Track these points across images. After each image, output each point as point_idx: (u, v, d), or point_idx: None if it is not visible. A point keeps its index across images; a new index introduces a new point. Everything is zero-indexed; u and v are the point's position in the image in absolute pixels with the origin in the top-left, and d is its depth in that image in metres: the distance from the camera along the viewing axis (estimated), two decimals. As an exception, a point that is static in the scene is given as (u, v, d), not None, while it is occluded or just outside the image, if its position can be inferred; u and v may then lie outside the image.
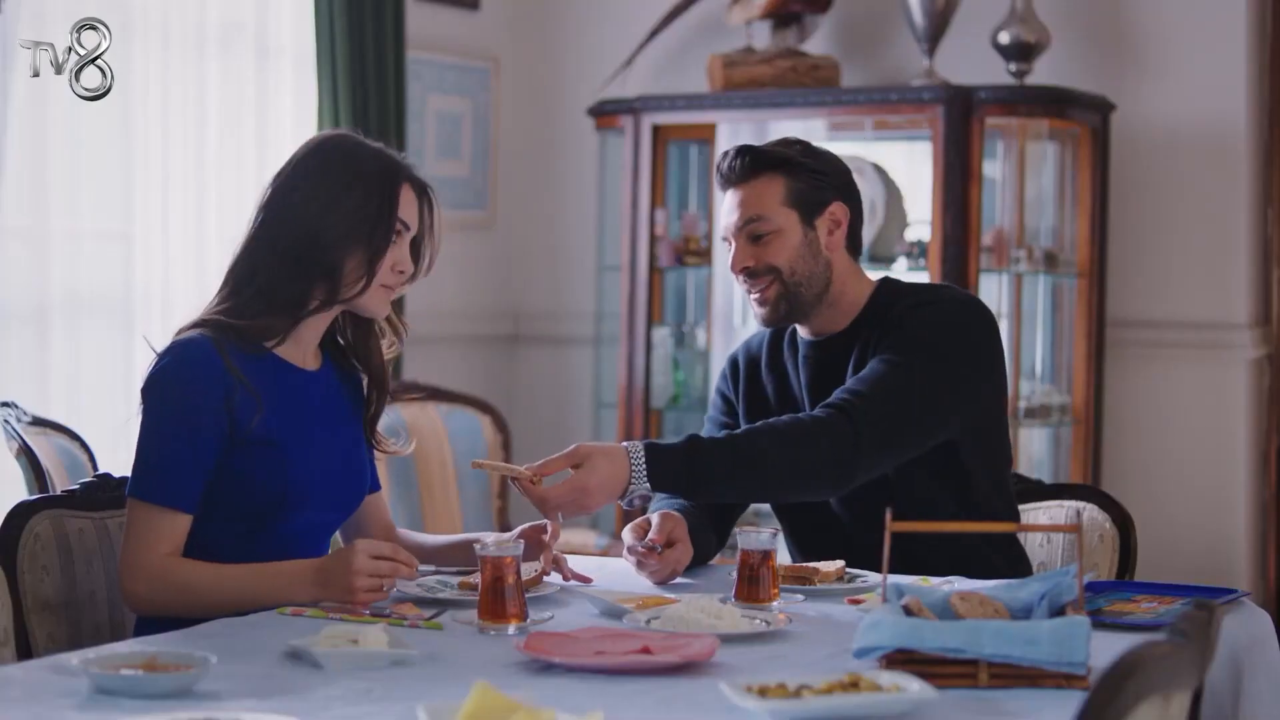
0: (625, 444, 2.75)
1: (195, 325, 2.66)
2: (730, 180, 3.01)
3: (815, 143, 5.49)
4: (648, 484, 2.73)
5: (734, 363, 3.20)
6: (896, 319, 2.95)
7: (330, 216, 2.65)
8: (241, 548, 2.62)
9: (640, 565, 2.84)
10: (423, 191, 2.76)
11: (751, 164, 2.98)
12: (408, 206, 2.71)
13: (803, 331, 3.07)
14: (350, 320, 2.81)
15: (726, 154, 3.02)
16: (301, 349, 2.73)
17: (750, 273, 2.98)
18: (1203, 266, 5.23)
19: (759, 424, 2.85)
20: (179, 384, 2.59)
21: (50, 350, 4.41)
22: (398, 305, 5.10)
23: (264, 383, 2.65)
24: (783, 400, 3.09)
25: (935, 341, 2.92)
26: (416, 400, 5.02)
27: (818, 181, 3.00)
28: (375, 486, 2.91)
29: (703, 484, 2.78)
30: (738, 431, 2.84)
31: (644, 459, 2.73)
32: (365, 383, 2.86)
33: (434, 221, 2.78)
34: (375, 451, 2.90)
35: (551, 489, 2.71)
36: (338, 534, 2.88)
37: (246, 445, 2.61)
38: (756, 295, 3.00)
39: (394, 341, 2.88)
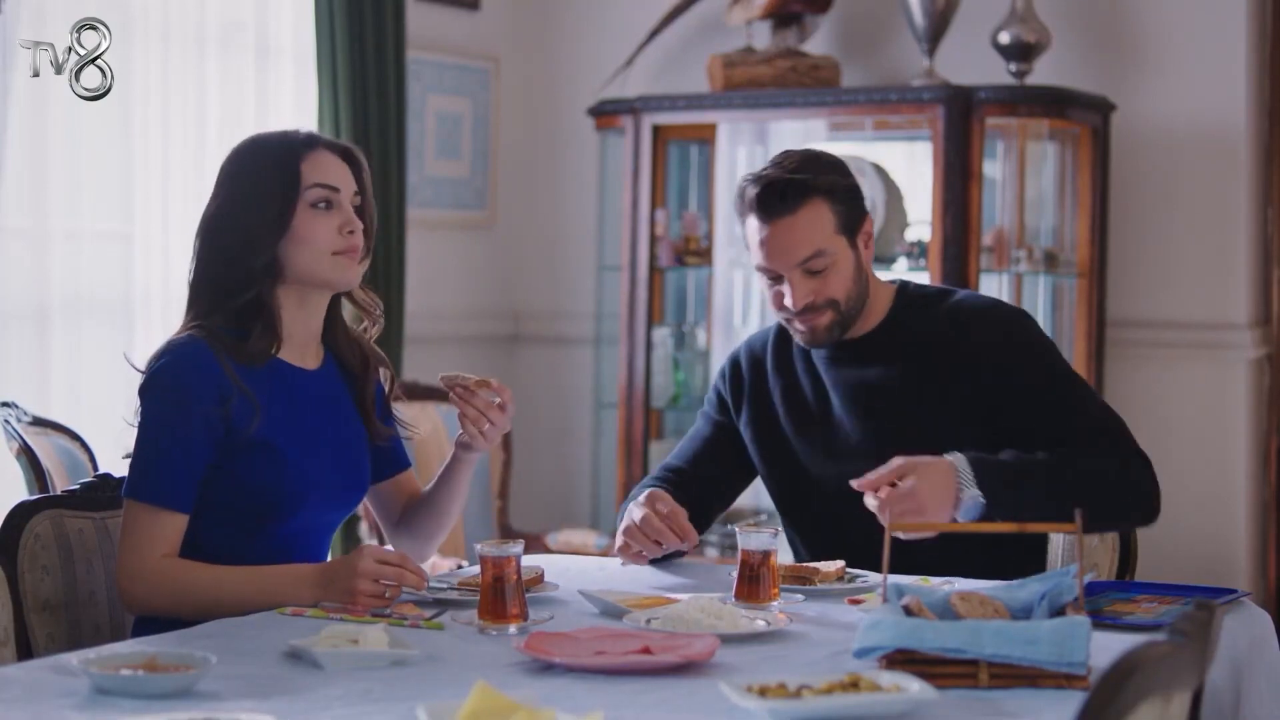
0: (947, 456, 2.76)
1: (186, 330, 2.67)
2: (774, 212, 2.92)
3: (816, 143, 5.56)
4: (976, 489, 2.75)
5: (735, 362, 3.18)
6: (1020, 345, 2.97)
7: (238, 204, 2.67)
8: (239, 549, 2.62)
9: (624, 550, 2.90)
10: (346, 155, 2.74)
11: (797, 194, 2.91)
12: (325, 169, 2.69)
13: None
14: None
15: (766, 184, 2.92)
16: (297, 347, 2.73)
17: (810, 307, 2.94)
18: (1203, 266, 5.23)
19: (1063, 458, 2.85)
20: (174, 384, 2.60)
21: (50, 350, 4.41)
22: (396, 302, 5.14)
23: (261, 385, 2.65)
24: (790, 403, 3.08)
25: (1063, 361, 3.02)
26: (416, 400, 5.02)
27: (853, 200, 2.97)
28: (407, 464, 2.95)
29: (1023, 498, 2.78)
30: (1044, 457, 2.85)
31: (969, 466, 2.75)
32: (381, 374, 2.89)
33: (365, 183, 2.76)
34: (401, 431, 2.92)
35: (889, 494, 2.71)
36: (365, 512, 2.88)
37: (244, 448, 2.61)
38: (806, 325, 2.97)
39: (375, 320, 2.87)
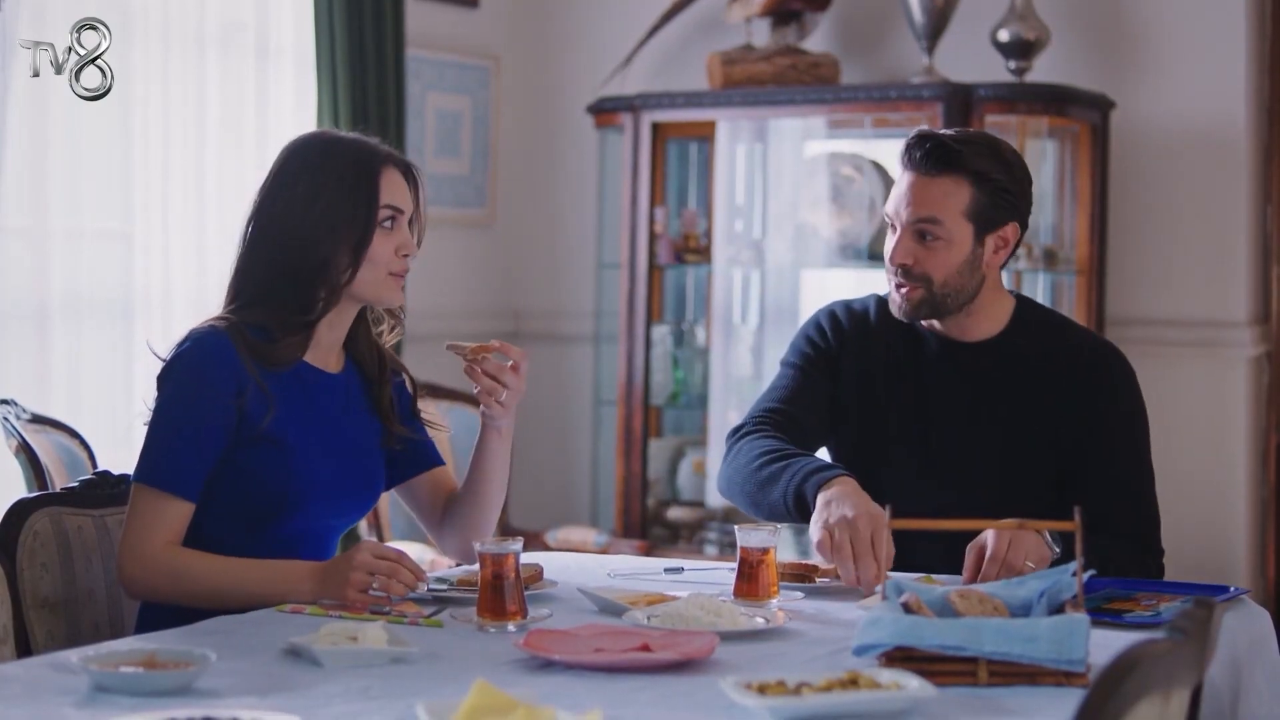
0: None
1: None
2: (917, 167, 2.94)
3: (815, 141, 5.53)
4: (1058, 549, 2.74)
5: (834, 317, 3.13)
6: (1114, 405, 2.97)
7: (312, 214, 2.66)
8: (242, 546, 2.63)
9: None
10: (407, 171, 2.75)
11: (945, 160, 2.92)
12: (395, 190, 2.71)
13: (930, 324, 3.04)
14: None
15: (925, 140, 2.94)
16: (322, 351, 2.74)
17: (905, 270, 2.95)
18: (1202, 264, 5.23)
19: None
20: (192, 373, 2.61)
21: (50, 349, 4.41)
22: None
23: (281, 382, 2.65)
24: (889, 376, 3.04)
25: (1145, 434, 3.02)
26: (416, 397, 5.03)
27: (1002, 200, 2.96)
28: (438, 461, 2.92)
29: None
30: None
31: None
32: (403, 380, 2.88)
33: (422, 199, 2.77)
34: (430, 430, 2.91)
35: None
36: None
37: (254, 442, 2.62)
38: (902, 291, 2.97)
39: (394, 325, 2.87)
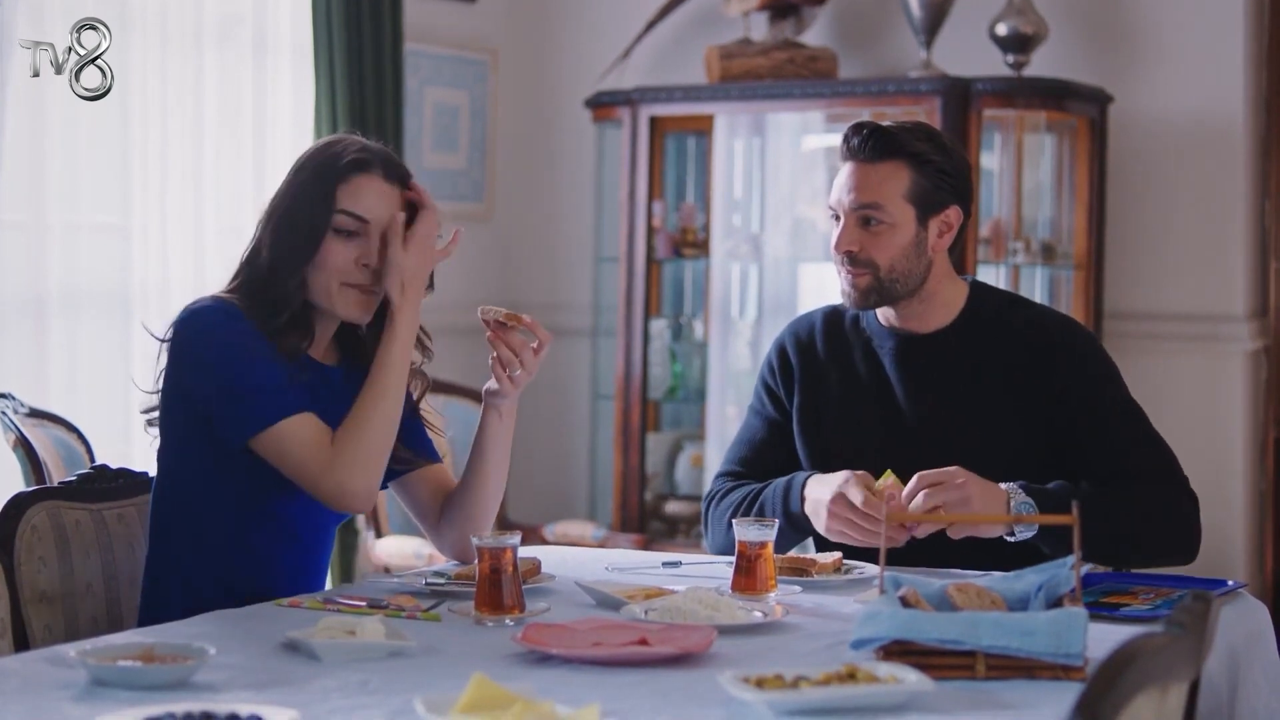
0: (1002, 485, 2.80)
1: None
2: (856, 155, 2.96)
3: (813, 135, 5.53)
4: (1028, 499, 2.78)
5: (782, 352, 3.14)
6: (1085, 370, 2.98)
7: (275, 217, 2.65)
8: (240, 528, 2.63)
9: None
10: (403, 181, 2.68)
11: (883, 146, 2.94)
12: (363, 198, 2.63)
13: (887, 320, 3.05)
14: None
15: (860, 128, 2.96)
16: (319, 347, 2.73)
17: (851, 257, 2.96)
18: (1200, 258, 5.23)
19: (1114, 493, 2.87)
20: (226, 323, 2.58)
21: (48, 343, 4.41)
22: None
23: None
24: (848, 392, 3.06)
25: (1121, 384, 3.04)
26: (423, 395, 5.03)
27: (942, 182, 2.97)
28: (435, 459, 2.88)
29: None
30: (1092, 490, 2.85)
31: (1022, 488, 2.80)
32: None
33: (425, 206, 2.68)
34: (429, 432, 2.90)
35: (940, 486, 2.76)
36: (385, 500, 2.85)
37: None
38: (849, 278, 2.98)
39: (428, 352, 2.84)
